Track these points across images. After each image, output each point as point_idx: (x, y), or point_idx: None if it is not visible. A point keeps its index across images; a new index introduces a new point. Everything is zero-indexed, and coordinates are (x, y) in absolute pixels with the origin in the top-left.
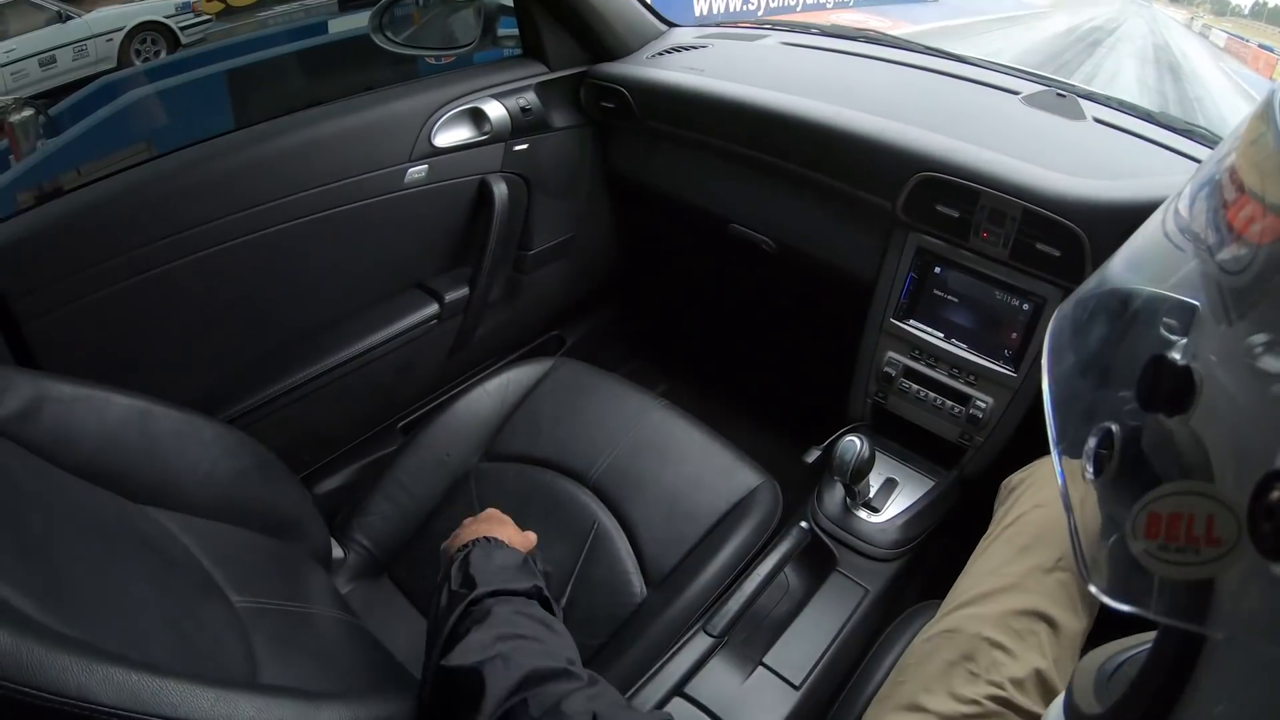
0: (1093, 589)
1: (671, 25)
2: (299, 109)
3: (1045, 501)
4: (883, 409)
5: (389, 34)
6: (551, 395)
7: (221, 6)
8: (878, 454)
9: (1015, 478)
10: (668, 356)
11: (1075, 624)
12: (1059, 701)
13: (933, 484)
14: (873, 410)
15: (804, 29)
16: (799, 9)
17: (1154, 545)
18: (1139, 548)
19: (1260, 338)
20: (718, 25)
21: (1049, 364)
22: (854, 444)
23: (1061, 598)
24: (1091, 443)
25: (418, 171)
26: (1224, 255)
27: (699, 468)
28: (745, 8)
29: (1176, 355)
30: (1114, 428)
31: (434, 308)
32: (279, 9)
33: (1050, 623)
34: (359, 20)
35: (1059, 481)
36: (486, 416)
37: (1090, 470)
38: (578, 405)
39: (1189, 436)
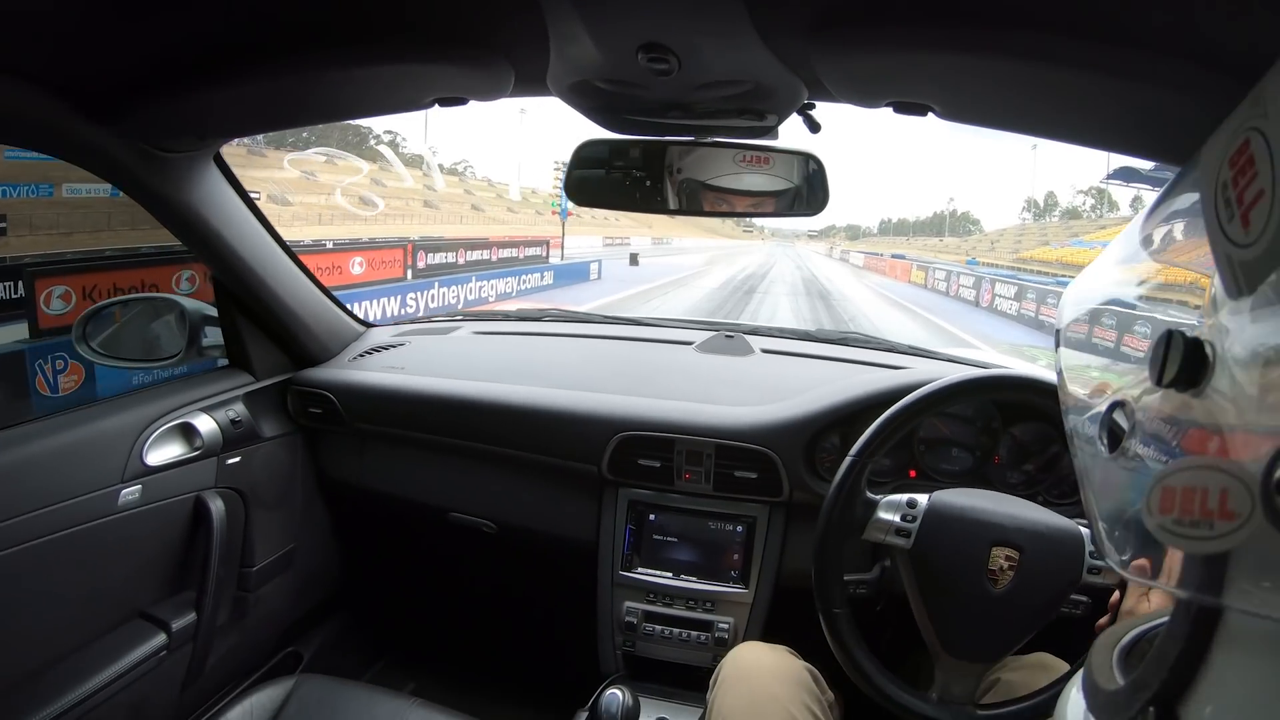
0: (1110, 563)
1: (369, 325)
2: None
3: (740, 701)
4: (633, 656)
5: (92, 344)
6: (299, 718)
7: None
8: (642, 699)
9: (719, 669)
10: (413, 651)
11: None
12: (1077, 680)
13: (701, 711)
14: (624, 659)
15: (493, 317)
16: (493, 299)
17: (1169, 520)
18: (1154, 523)
19: (1272, 310)
20: (412, 322)
21: (1060, 339)
22: (616, 697)
23: None
24: (1105, 419)
25: (131, 493)
26: (1233, 228)
27: None
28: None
29: (1189, 330)
30: (1127, 402)
31: (161, 638)
32: None
33: None
34: None
35: (1074, 456)
36: None
37: (1104, 445)
38: None
39: (1201, 411)
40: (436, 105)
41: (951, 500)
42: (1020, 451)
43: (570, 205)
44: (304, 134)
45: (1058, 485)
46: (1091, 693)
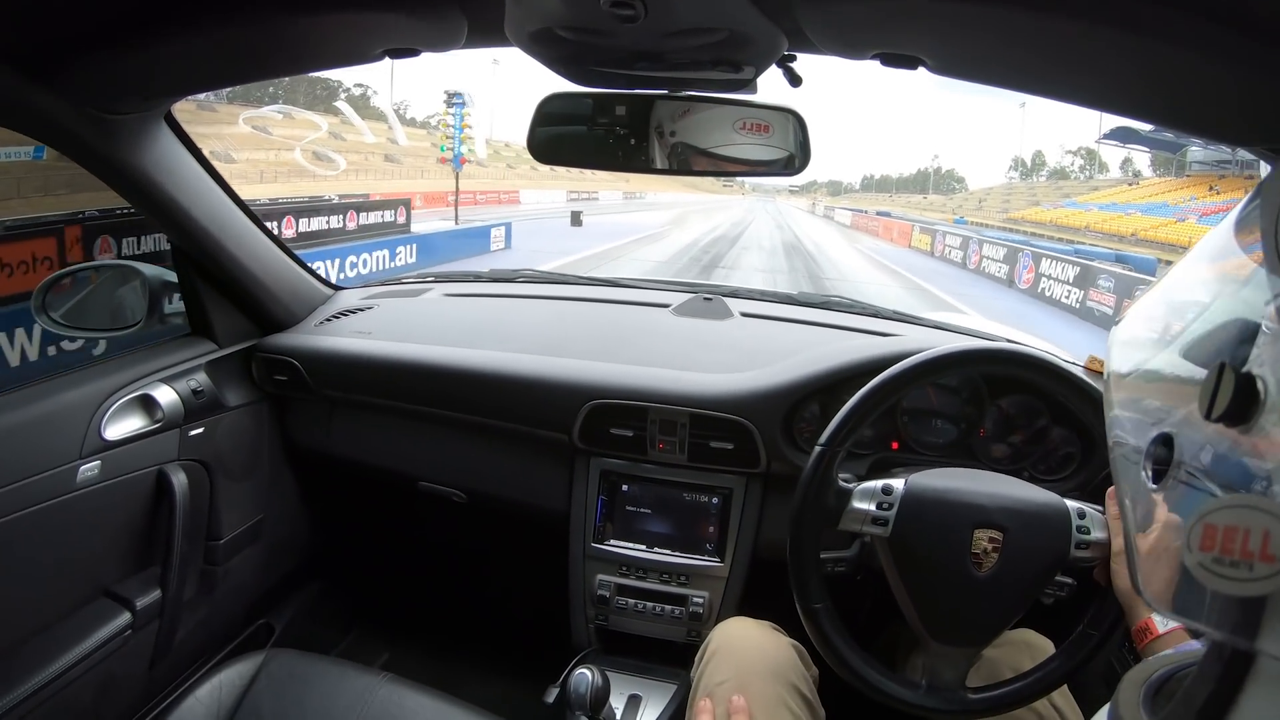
0: (1146, 598)
1: (337, 288)
2: None
3: (727, 677)
4: (606, 630)
5: (52, 314)
6: (269, 693)
7: None
8: (613, 675)
9: (706, 643)
10: (385, 622)
11: None
12: (1103, 714)
13: (675, 687)
14: (597, 633)
15: (464, 278)
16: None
17: (1208, 558)
18: (1193, 560)
19: None
20: (381, 284)
21: (1111, 367)
22: (585, 676)
23: None
24: (1151, 450)
25: (90, 469)
26: None
27: None
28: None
29: (1241, 364)
30: (1174, 435)
31: (126, 616)
32: None
33: None
34: None
35: (1116, 486)
36: None
37: (1149, 478)
38: (300, 700)
39: (1250, 449)
40: (386, 57)
41: (928, 483)
42: (1006, 424)
43: (465, 151)
44: (270, 88)
45: (1044, 460)
46: None
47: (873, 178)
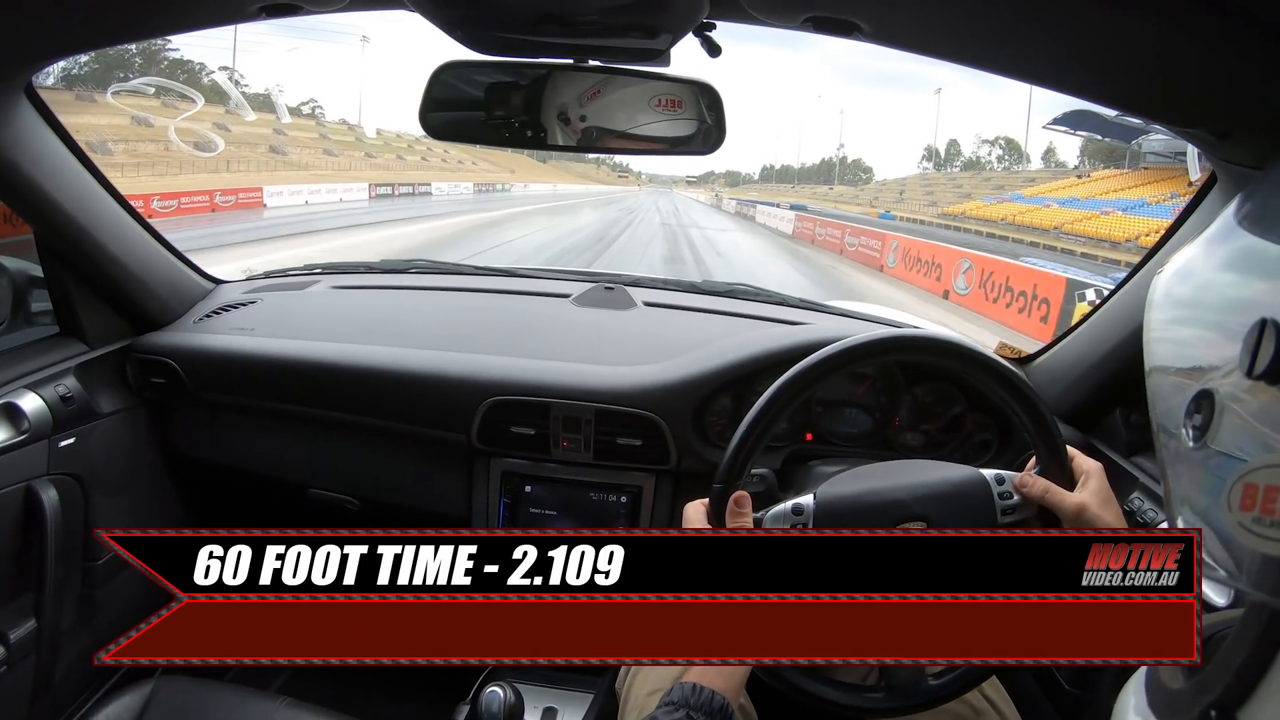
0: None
1: (218, 282)
2: None
3: (658, 687)
4: None
5: None
6: None
7: None
8: (525, 689)
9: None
10: None
11: None
12: (1138, 677)
13: (591, 696)
14: None
15: (354, 269)
16: None
17: (1248, 518)
18: (1233, 520)
19: None
20: (266, 276)
21: (1150, 325)
22: (497, 694)
23: None
24: (1191, 407)
25: None
26: None
27: None
28: None
29: None
30: (1215, 393)
31: None
32: None
33: None
34: None
35: (1157, 447)
36: None
37: (1189, 436)
38: None
39: None
40: (264, 16)
41: (839, 491)
42: (922, 413)
43: None
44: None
45: (961, 447)
46: (1154, 690)
47: (773, 167)
